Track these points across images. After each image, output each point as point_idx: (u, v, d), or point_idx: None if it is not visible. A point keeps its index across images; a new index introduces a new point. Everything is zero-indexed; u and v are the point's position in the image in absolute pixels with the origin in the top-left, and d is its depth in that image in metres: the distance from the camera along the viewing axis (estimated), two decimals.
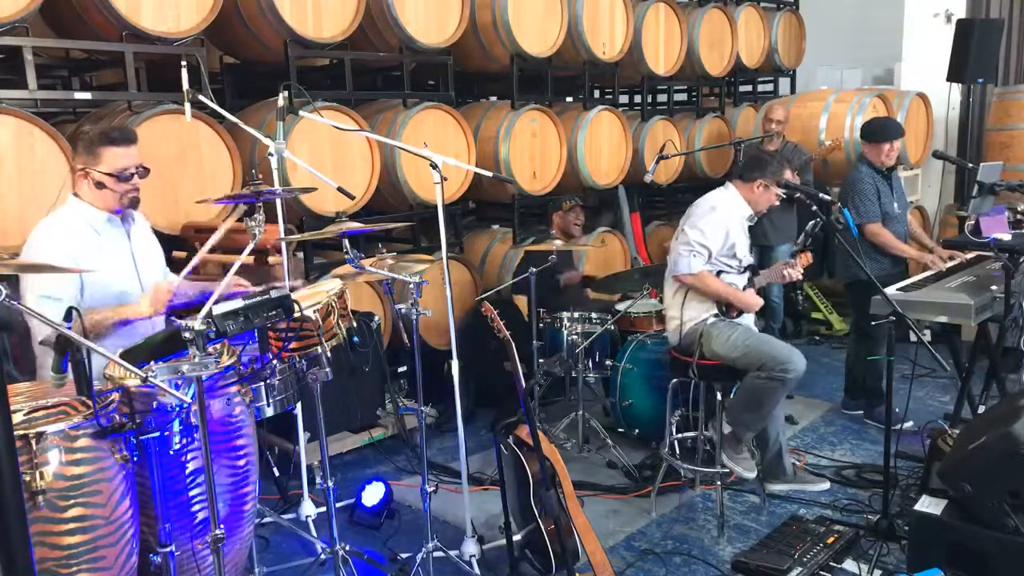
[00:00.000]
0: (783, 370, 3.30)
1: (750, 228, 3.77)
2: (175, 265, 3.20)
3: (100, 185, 2.71)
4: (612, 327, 4.53)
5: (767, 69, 7.35)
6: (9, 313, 1.63)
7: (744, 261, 3.62)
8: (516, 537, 3.14)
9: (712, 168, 6.69)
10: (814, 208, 3.48)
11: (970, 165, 5.18)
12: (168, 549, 2.08)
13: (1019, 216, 4.62)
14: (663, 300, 3.97)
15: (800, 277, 3.67)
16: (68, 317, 1.97)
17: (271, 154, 3.21)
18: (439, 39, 4.83)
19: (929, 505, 2.94)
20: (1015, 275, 3.61)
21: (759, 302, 3.62)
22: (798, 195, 3.79)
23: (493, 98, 6.31)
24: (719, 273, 3.56)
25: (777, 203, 3.70)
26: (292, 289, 2.87)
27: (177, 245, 3.75)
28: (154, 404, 2.16)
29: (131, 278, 2.83)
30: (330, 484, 2.89)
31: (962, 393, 3.96)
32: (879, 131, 4.48)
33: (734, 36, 6.68)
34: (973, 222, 4.62)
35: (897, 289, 3.87)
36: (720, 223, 3.54)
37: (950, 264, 4.34)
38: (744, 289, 3.62)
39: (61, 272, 2.52)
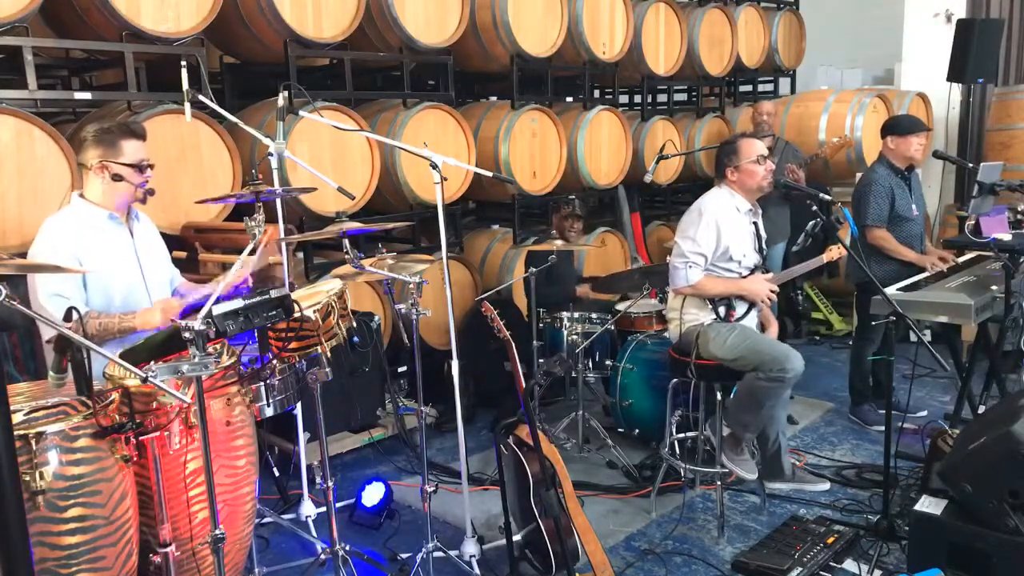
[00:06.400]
0: (781, 370, 3.26)
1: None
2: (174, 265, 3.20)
3: (118, 178, 2.72)
4: (612, 327, 4.53)
5: (767, 69, 7.35)
6: (9, 313, 1.63)
7: (745, 262, 3.54)
8: (516, 537, 3.14)
9: (712, 168, 6.67)
10: (814, 208, 3.47)
11: (970, 165, 5.18)
12: (168, 549, 2.08)
13: (1019, 216, 4.62)
14: (664, 300, 3.95)
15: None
16: (68, 317, 1.97)
17: (271, 154, 3.20)
18: (439, 39, 4.83)
19: (929, 505, 2.93)
20: (1015, 275, 3.61)
21: (764, 287, 3.51)
22: (796, 192, 3.78)
23: (493, 98, 6.31)
24: None
25: (766, 176, 3.53)
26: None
27: (177, 245, 3.75)
28: (154, 404, 2.16)
29: (135, 276, 2.82)
30: (330, 484, 2.89)
31: (962, 393, 3.96)
32: (908, 123, 4.40)
33: (734, 36, 6.68)
34: (973, 222, 4.62)
35: (897, 289, 3.87)
36: (708, 225, 3.48)
37: (949, 265, 4.33)
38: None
39: (64, 272, 2.52)
